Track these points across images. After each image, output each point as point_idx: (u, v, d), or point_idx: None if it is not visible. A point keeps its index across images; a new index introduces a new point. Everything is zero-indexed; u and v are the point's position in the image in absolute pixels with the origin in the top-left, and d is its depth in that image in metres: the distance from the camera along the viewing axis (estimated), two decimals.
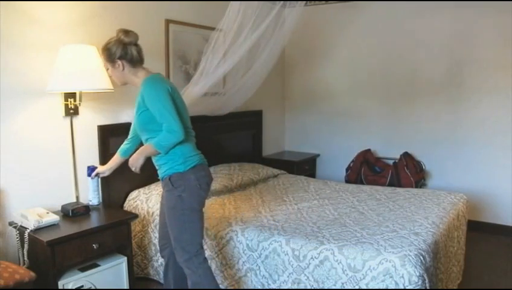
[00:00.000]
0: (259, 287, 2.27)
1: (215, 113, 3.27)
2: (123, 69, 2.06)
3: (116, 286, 2.40)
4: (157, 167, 2.16)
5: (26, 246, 2.15)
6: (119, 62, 2.04)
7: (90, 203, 2.57)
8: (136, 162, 2.09)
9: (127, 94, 2.92)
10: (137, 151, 2.13)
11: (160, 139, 1.99)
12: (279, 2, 2.98)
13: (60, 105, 2.51)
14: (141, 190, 2.91)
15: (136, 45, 2.08)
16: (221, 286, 2.42)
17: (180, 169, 2.03)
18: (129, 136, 2.40)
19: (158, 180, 2.99)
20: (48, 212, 2.29)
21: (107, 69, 2.17)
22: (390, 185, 3.81)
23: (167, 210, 2.10)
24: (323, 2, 4.30)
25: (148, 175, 3.00)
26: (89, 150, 2.71)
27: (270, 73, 3.42)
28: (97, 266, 2.32)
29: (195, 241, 2.08)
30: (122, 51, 2.03)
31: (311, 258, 2.10)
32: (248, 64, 3.15)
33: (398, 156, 4.03)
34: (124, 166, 2.87)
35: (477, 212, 3.80)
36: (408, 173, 3.84)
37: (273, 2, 3.05)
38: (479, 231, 3.71)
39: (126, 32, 2.04)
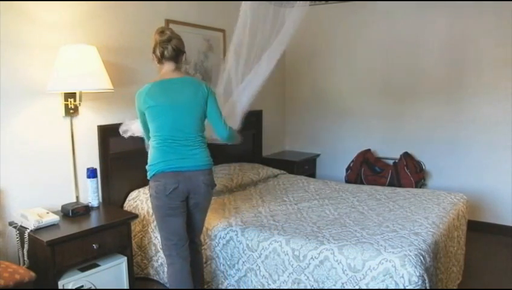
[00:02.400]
0: (259, 287, 2.27)
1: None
2: (156, 62, 2.25)
3: (116, 286, 2.40)
4: None
5: (26, 246, 2.15)
6: (153, 55, 2.24)
7: (90, 204, 2.57)
8: None
9: (127, 94, 2.92)
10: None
11: None
12: (283, 2, 2.96)
13: (60, 105, 2.51)
14: (141, 190, 2.91)
15: (163, 44, 2.18)
16: (221, 286, 2.42)
17: (147, 177, 2.20)
18: None
19: None
20: (48, 212, 2.29)
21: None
22: (390, 185, 3.81)
23: None
24: (323, 2, 4.30)
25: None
26: (89, 150, 2.71)
27: (270, 73, 3.41)
28: (97, 266, 2.32)
29: (163, 244, 2.22)
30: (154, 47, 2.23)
31: (311, 258, 2.10)
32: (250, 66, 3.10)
33: (398, 156, 4.03)
34: (123, 166, 2.88)
35: (477, 212, 3.80)
36: (408, 173, 3.84)
37: (278, 2, 3.03)
38: (479, 231, 3.71)
39: (161, 32, 2.21)
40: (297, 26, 2.72)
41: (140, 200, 2.81)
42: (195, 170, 2.15)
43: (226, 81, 2.81)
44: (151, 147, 2.20)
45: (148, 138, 2.26)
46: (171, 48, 2.15)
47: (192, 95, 2.15)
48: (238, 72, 2.76)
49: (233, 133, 2.40)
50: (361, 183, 4.01)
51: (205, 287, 2.48)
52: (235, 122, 2.65)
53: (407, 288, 1.86)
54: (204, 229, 2.48)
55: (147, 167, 2.18)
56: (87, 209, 2.48)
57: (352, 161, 4.20)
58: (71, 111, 2.55)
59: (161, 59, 2.18)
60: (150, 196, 2.18)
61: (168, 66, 2.20)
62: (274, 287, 2.22)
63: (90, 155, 2.71)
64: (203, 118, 2.22)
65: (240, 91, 2.74)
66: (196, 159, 2.16)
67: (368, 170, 4.09)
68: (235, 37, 2.77)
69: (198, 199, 2.19)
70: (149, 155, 2.19)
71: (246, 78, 2.75)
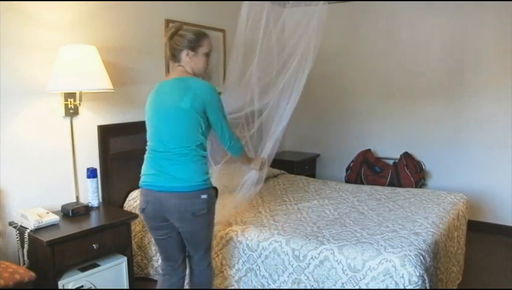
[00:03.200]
0: (259, 287, 2.27)
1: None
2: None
3: (116, 286, 2.40)
4: None
5: (26, 246, 2.15)
6: None
7: (90, 204, 2.57)
8: None
9: (127, 94, 2.93)
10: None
11: None
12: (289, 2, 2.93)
13: (60, 105, 2.51)
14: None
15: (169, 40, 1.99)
16: (221, 286, 2.42)
17: None
18: None
19: None
20: (48, 212, 2.29)
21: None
22: (390, 185, 3.81)
23: None
24: (324, 2, 4.29)
25: None
26: (89, 150, 2.71)
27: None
28: (97, 266, 2.32)
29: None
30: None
31: (311, 258, 2.10)
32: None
33: (398, 156, 4.03)
34: (123, 166, 2.88)
35: (477, 212, 3.79)
36: (408, 173, 3.84)
37: (284, 2, 3.02)
38: (479, 231, 3.71)
39: (167, 31, 2.01)
40: (322, 29, 2.65)
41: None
42: (166, 191, 1.85)
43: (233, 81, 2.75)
44: None
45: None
46: (169, 47, 1.99)
47: (178, 100, 1.85)
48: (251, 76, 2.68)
49: (239, 145, 2.15)
50: (361, 183, 4.01)
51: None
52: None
53: (407, 288, 1.86)
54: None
55: None
56: (87, 209, 2.48)
57: (352, 161, 4.20)
58: (71, 111, 2.55)
59: (169, 58, 2.07)
60: None
61: (172, 66, 2.10)
62: (274, 287, 2.22)
63: (90, 155, 2.71)
64: (198, 127, 1.88)
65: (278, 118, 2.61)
66: (171, 178, 1.85)
67: (367, 170, 4.09)
68: (242, 38, 2.66)
69: (179, 226, 1.91)
70: None
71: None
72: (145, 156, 2.00)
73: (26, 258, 2.16)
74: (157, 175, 1.90)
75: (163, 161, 1.90)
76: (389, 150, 4.23)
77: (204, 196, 1.89)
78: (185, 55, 1.96)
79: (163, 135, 1.91)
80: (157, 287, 2.13)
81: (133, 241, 2.66)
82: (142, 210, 1.95)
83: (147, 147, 2.01)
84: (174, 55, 1.99)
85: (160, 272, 2.16)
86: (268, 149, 2.56)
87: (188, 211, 1.86)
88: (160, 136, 1.92)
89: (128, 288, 2.46)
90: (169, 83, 1.96)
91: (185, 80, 1.93)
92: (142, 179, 1.97)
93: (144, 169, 1.98)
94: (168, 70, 3.25)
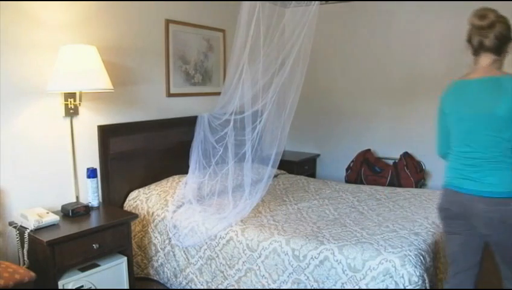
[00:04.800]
0: (259, 287, 2.27)
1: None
2: (471, 54, 1.85)
3: (116, 286, 2.40)
4: None
5: (26, 246, 2.15)
6: (468, 45, 1.85)
7: (90, 204, 2.57)
8: None
9: (127, 94, 2.93)
10: None
11: None
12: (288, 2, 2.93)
13: (60, 105, 2.51)
14: (141, 190, 2.91)
15: (482, 31, 1.78)
16: (220, 286, 2.42)
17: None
18: None
19: (158, 180, 3.04)
20: (48, 212, 2.29)
21: None
22: (390, 185, 3.81)
23: None
24: (323, 2, 4.30)
25: (148, 175, 3.03)
26: (89, 150, 2.71)
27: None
28: (97, 266, 2.32)
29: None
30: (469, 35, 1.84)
31: (311, 258, 2.10)
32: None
33: (398, 156, 4.03)
34: (123, 166, 2.88)
35: None
36: (408, 173, 3.83)
37: (285, 2, 3.01)
38: None
39: (480, 16, 1.80)
40: (313, 28, 2.64)
41: (140, 200, 2.81)
42: (473, 195, 1.75)
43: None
44: None
45: (442, 146, 1.97)
46: (493, 36, 1.72)
47: (493, 105, 1.69)
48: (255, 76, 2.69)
49: None
50: (361, 183, 4.00)
51: (205, 287, 2.48)
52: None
53: (407, 288, 1.86)
54: (203, 229, 2.48)
55: None
56: (87, 209, 2.47)
57: (352, 161, 4.20)
58: (71, 111, 2.55)
59: (478, 50, 1.78)
60: None
61: (484, 60, 1.78)
62: (274, 287, 2.22)
63: (90, 155, 2.71)
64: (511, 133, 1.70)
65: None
66: (479, 183, 1.74)
67: (368, 170, 4.09)
68: (242, 38, 2.65)
69: (487, 233, 1.78)
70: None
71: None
72: (450, 157, 1.90)
73: (26, 258, 2.16)
74: (464, 179, 1.80)
75: (470, 165, 1.79)
76: (389, 150, 4.22)
77: None
78: (507, 49, 1.78)
79: (472, 139, 1.79)
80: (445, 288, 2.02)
81: (133, 241, 2.67)
82: (444, 210, 1.89)
83: (449, 148, 1.91)
84: (499, 47, 1.75)
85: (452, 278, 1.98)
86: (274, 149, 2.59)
87: (497, 218, 1.72)
88: (469, 141, 1.80)
89: (128, 288, 2.45)
90: (481, 82, 1.77)
91: (500, 81, 1.73)
92: (448, 180, 1.89)
93: (449, 170, 1.90)
94: (168, 70, 3.25)
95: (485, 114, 1.73)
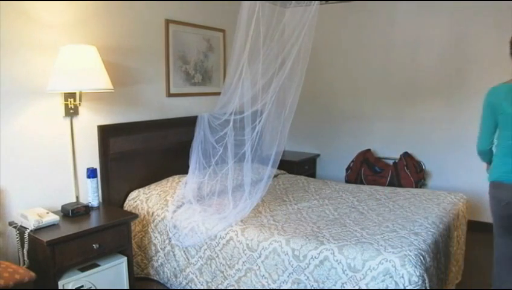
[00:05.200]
0: (259, 287, 2.27)
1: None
2: None
3: (116, 286, 2.40)
4: None
5: (26, 246, 2.15)
6: None
7: (90, 204, 2.57)
8: None
9: (127, 94, 2.93)
10: None
11: None
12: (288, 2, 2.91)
13: (60, 105, 2.51)
14: (141, 190, 2.91)
15: None
16: (220, 286, 2.42)
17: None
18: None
19: (158, 180, 3.04)
20: (48, 212, 2.29)
21: None
22: (390, 185, 3.81)
23: None
24: (323, 2, 4.30)
25: (148, 175, 3.03)
26: (89, 150, 2.71)
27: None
28: (97, 266, 2.32)
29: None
30: None
31: (311, 258, 2.10)
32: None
33: (398, 156, 4.03)
34: (123, 166, 2.88)
35: (477, 212, 3.79)
36: (408, 173, 3.84)
37: (285, 2, 3.00)
38: (479, 231, 3.70)
39: None
40: (313, 28, 2.65)
41: (140, 200, 2.81)
42: None
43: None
44: (495, 152, 2.15)
45: (486, 142, 2.25)
46: None
47: None
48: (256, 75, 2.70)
49: None
50: (361, 183, 4.01)
51: (205, 287, 2.48)
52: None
53: (407, 288, 1.86)
54: (203, 229, 2.48)
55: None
56: (87, 209, 2.47)
57: (352, 161, 4.20)
58: (71, 111, 2.55)
59: None
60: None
61: None
62: (274, 287, 2.22)
63: (90, 155, 2.71)
64: None
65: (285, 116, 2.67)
66: None
67: (367, 170, 4.09)
68: (242, 38, 2.66)
69: None
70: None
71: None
72: (501, 151, 2.12)
73: (26, 258, 2.16)
74: None
75: None
76: (389, 150, 4.22)
77: None
78: None
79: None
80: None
81: (133, 241, 2.67)
82: (506, 204, 2.01)
83: (498, 144, 2.14)
84: None
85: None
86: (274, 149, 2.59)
87: None
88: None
89: (128, 288, 2.46)
90: None
91: None
92: (496, 175, 2.09)
93: (502, 165, 2.09)
94: (168, 70, 3.25)
95: None
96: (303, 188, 3.28)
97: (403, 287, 1.87)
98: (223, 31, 3.74)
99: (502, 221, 2.09)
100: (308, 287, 2.11)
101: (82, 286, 2.22)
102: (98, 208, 2.59)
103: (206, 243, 2.46)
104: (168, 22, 3.20)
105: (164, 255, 2.65)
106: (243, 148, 2.72)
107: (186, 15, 3.37)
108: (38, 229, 2.16)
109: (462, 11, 3.74)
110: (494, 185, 2.11)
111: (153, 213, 2.71)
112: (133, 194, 2.89)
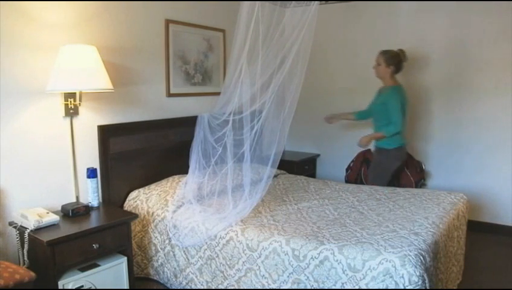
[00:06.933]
0: (259, 287, 2.27)
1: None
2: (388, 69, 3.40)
3: (116, 286, 2.40)
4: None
5: (26, 246, 2.15)
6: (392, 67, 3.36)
7: (90, 204, 2.57)
8: (367, 143, 3.51)
9: (127, 94, 2.93)
10: (369, 136, 3.51)
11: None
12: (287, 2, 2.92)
13: (60, 105, 2.51)
14: (141, 190, 2.91)
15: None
16: (220, 286, 2.42)
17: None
18: (366, 110, 3.70)
19: (158, 180, 3.04)
20: (48, 212, 2.29)
21: (379, 65, 3.48)
22: (390, 185, 3.80)
23: None
24: (323, 2, 4.30)
25: (148, 175, 3.03)
26: (89, 150, 2.71)
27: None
28: (97, 266, 2.32)
29: None
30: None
31: (311, 258, 2.10)
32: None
33: None
34: (123, 166, 2.88)
35: (477, 212, 3.79)
36: (408, 173, 3.83)
37: (285, 2, 3.00)
38: (479, 231, 3.71)
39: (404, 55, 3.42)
40: (313, 28, 2.65)
41: (140, 200, 2.81)
42: None
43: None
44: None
45: (401, 123, 3.31)
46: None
47: None
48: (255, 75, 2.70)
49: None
50: (362, 183, 4.00)
51: (205, 287, 2.48)
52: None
53: (407, 288, 1.86)
54: (203, 229, 2.48)
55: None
56: (87, 209, 2.48)
57: (352, 161, 4.20)
58: (71, 111, 2.55)
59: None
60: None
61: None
62: (274, 287, 2.22)
63: (90, 155, 2.71)
64: None
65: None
66: None
67: (368, 169, 4.09)
68: (242, 38, 2.65)
69: None
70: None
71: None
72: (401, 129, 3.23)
73: (26, 258, 2.16)
74: None
75: None
76: None
77: None
78: None
79: None
80: None
81: (133, 241, 2.67)
82: (402, 161, 2.83)
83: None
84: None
85: None
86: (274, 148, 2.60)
87: None
88: None
89: (128, 288, 2.46)
90: None
91: None
92: (401, 142, 3.32)
93: (401, 137, 3.18)
94: (168, 70, 3.25)
95: None
96: (303, 188, 3.28)
97: (403, 287, 1.87)
98: (222, 31, 3.74)
99: (391, 174, 3.45)
100: (308, 287, 2.11)
101: (82, 286, 2.22)
102: (98, 208, 2.59)
103: (206, 243, 2.46)
104: (168, 22, 3.21)
105: (164, 255, 2.65)
106: (242, 148, 2.72)
107: (186, 15, 3.37)
108: (38, 229, 2.16)
109: (462, 11, 3.74)
110: (397, 149, 3.39)
111: (153, 213, 2.71)
112: (133, 194, 2.89)
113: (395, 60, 3.41)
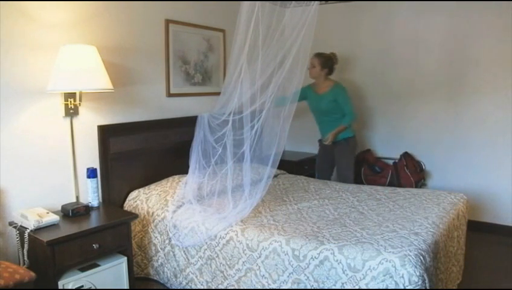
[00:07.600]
0: (259, 287, 2.27)
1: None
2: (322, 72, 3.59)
3: (116, 286, 2.40)
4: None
5: (26, 246, 2.15)
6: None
7: (90, 204, 2.57)
8: (333, 138, 3.66)
9: (127, 94, 2.93)
10: (334, 131, 3.65)
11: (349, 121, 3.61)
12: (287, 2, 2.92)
13: (60, 105, 2.51)
14: (141, 190, 2.91)
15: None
16: (220, 286, 2.42)
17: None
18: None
19: (158, 180, 3.04)
20: (48, 212, 2.29)
21: (314, 67, 3.58)
22: (390, 185, 3.81)
23: None
24: (323, 2, 4.30)
25: (148, 175, 3.03)
26: (89, 150, 2.71)
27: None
28: (97, 266, 2.32)
29: None
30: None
31: (311, 258, 2.10)
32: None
33: (398, 156, 4.03)
34: (123, 167, 2.88)
35: (477, 212, 3.79)
36: (408, 173, 3.84)
37: (285, 2, 3.00)
38: (479, 231, 3.70)
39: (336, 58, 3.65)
40: (313, 28, 2.65)
41: (140, 200, 2.81)
42: None
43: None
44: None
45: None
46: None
47: None
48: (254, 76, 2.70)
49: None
50: (362, 183, 4.00)
51: (205, 287, 2.48)
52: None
53: (407, 288, 1.86)
54: (203, 229, 2.48)
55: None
56: (87, 209, 2.48)
57: None
58: (71, 111, 2.55)
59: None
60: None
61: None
62: (274, 287, 2.22)
63: (90, 155, 2.71)
64: None
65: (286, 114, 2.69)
66: None
67: (367, 169, 4.09)
68: (242, 38, 2.64)
69: None
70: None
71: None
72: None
73: (26, 258, 2.16)
74: None
75: None
76: (389, 150, 4.22)
77: None
78: None
79: None
80: None
81: (133, 241, 2.67)
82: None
83: None
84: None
85: None
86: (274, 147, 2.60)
87: None
88: None
89: (128, 288, 2.46)
90: None
91: None
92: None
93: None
94: (168, 70, 3.25)
95: None
96: (303, 188, 3.28)
97: (403, 287, 1.87)
98: (222, 31, 3.74)
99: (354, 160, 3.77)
100: (308, 287, 2.11)
101: (82, 286, 2.22)
102: (98, 208, 2.59)
103: (206, 243, 2.46)
104: (168, 22, 3.20)
105: (164, 255, 2.65)
106: (242, 148, 2.72)
107: (186, 15, 3.37)
108: (38, 229, 2.16)
109: (462, 11, 3.74)
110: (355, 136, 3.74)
111: (153, 213, 2.71)
112: (133, 194, 2.89)
113: (329, 63, 3.63)
